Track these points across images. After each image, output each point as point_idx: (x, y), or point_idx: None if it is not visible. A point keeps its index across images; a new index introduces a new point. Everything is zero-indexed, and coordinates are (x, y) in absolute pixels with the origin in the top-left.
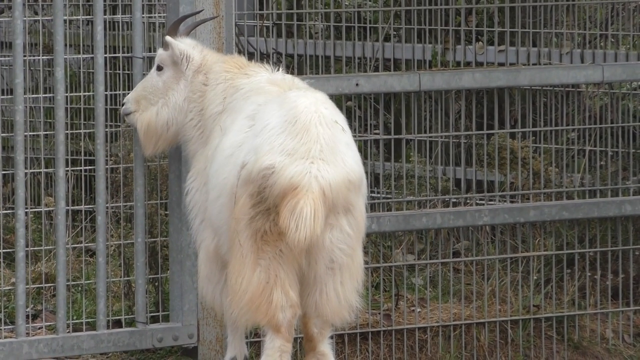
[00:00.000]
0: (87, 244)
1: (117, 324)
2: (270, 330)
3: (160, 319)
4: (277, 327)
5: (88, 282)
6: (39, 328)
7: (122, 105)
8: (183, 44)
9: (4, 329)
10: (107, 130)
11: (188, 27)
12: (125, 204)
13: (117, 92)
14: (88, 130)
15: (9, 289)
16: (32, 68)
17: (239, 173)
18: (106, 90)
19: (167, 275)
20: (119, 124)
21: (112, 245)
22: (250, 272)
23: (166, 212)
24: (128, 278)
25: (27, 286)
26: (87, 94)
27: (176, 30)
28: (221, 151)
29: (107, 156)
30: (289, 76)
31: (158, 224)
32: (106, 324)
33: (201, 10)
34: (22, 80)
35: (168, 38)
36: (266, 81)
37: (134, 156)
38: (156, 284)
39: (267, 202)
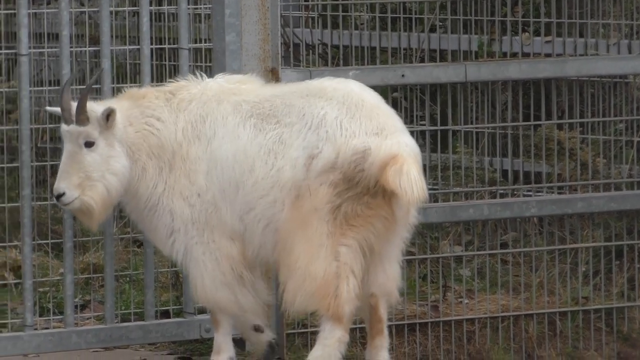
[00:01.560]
0: (134, 235)
1: (165, 314)
2: (331, 321)
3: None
4: (340, 318)
5: (136, 272)
6: (88, 318)
7: (58, 197)
8: (97, 105)
9: (53, 319)
10: None
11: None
12: None
13: (163, 83)
14: None
15: (58, 280)
16: (78, 59)
17: (307, 166)
18: (152, 82)
19: None
20: None
21: None
22: (323, 261)
23: None
24: (176, 269)
25: (76, 277)
26: (133, 85)
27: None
28: (237, 154)
29: None
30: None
31: None
32: (154, 314)
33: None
34: (69, 71)
35: (87, 109)
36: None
37: None
38: None
39: (360, 184)
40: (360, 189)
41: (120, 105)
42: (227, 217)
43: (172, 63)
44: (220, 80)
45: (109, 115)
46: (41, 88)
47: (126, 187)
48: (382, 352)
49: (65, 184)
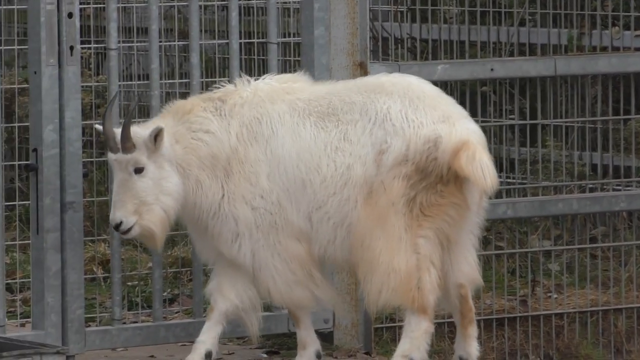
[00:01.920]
0: None
1: None
2: (416, 313)
3: None
4: (425, 310)
5: None
6: (176, 312)
7: (116, 227)
8: (141, 129)
9: (141, 313)
10: None
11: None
12: None
13: (252, 77)
14: None
15: (146, 273)
16: (167, 54)
17: (378, 162)
18: (241, 76)
19: None
20: None
21: None
22: (404, 254)
23: None
24: None
25: (164, 270)
26: (222, 79)
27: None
28: (301, 153)
29: None
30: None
31: None
32: None
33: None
34: (158, 65)
35: (131, 135)
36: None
37: None
38: None
39: (433, 174)
40: (433, 178)
41: (165, 123)
42: (292, 216)
43: (261, 57)
44: (270, 81)
45: (156, 136)
46: (130, 82)
47: (182, 204)
48: (474, 342)
49: (121, 212)
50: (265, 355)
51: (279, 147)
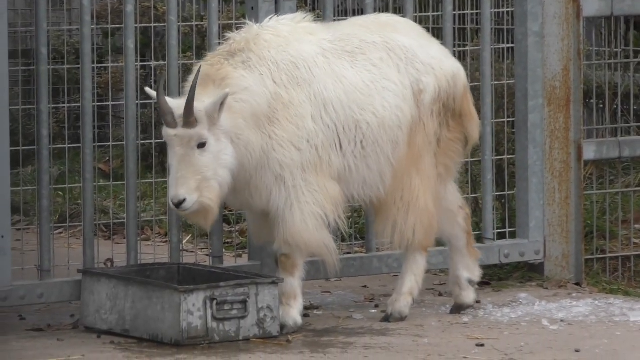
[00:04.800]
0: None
1: None
2: (422, 252)
3: (507, 235)
4: (428, 248)
5: None
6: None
7: (180, 204)
8: (199, 103)
9: (355, 244)
10: (454, 50)
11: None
12: None
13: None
14: None
15: (359, 205)
16: None
17: (417, 101)
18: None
19: (513, 193)
20: (466, 43)
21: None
22: (433, 193)
23: (513, 130)
24: (475, 195)
25: None
26: (435, 14)
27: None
28: (349, 94)
29: None
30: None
31: (505, 141)
32: None
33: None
34: (372, 1)
35: (195, 111)
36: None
37: (481, 75)
38: (503, 201)
39: (450, 109)
40: (449, 113)
41: (211, 92)
42: (335, 157)
43: None
44: (284, 21)
45: (221, 104)
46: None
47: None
48: (477, 263)
49: (185, 189)
50: (476, 286)
51: (323, 89)
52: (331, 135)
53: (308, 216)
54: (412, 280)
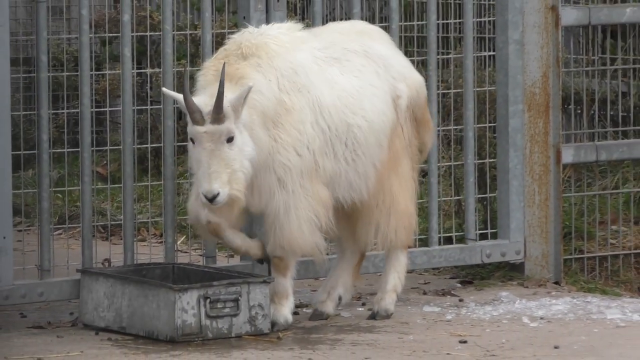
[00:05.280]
0: (421, 165)
1: (448, 240)
2: (404, 251)
3: (489, 236)
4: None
5: (421, 201)
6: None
7: (214, 198)
8: (226, 99)
9: None
10: (438, 57)
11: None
12: (455, 127)
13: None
14: (420, 58)
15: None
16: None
17: (395, 107)
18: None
19: (495, 195)
20: (449, 51)
21: (443, 167)
22: (412, 196)
23: (494, 135)
24: (458, 197)
25: None
26: (420, 23)
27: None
28: (341, 99)
29: (438, 82)
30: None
31: (486, 146)
32: (437, 240)
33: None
34: (359, 10)
35: (224, 107)
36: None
37: (464, 82)
38: (485, 202)
39: (415, 115)
40: (414, 121)
41: (230, 90)
42: (327, 162)
43: (457, 2)
44: (282, 30)
45: (246, 97)
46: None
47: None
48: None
49: (218, 183)
50: (459, 285)
51: (319, 95)
52: (326, 140)
53: (304, 222)
54: (395, 277)
